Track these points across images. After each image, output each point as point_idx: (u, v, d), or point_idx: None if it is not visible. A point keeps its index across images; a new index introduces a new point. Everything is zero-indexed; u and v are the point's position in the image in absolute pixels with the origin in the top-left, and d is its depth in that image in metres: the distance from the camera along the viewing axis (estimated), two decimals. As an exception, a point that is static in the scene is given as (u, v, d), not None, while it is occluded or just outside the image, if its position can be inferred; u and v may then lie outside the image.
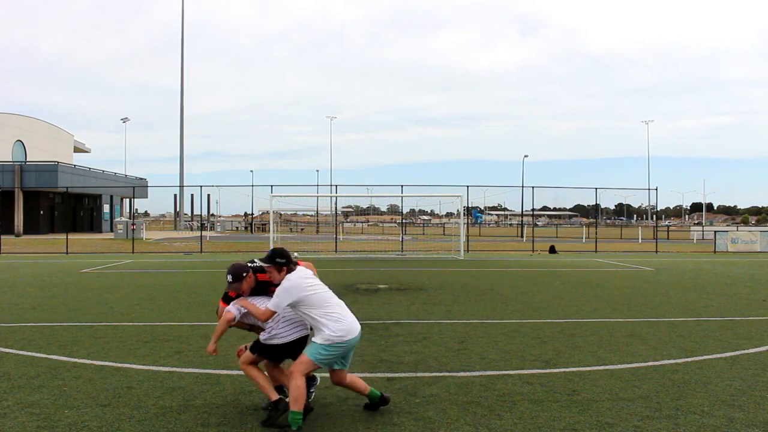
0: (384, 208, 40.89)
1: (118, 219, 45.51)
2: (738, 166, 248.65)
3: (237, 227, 60.99)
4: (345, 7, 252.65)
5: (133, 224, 35.11)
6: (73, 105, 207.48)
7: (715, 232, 30.61)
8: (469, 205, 37.13)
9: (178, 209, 59.57)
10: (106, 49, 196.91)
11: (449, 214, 52.28)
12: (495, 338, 7.46)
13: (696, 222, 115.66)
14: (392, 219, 43.39)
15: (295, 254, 20.17)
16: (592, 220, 53.41)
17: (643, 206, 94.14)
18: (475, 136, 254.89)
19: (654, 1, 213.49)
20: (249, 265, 4.75)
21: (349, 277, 14.96)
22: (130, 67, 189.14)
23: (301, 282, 4.43)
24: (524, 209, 33.84)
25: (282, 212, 33.31)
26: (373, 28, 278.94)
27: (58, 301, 10.65)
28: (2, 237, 26.63)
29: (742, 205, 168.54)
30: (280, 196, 24.95)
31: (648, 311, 9.70)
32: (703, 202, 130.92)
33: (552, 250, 26.73)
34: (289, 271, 4.50)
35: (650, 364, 6.20)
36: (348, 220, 47.14)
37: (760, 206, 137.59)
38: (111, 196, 54.05)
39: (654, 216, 67.71)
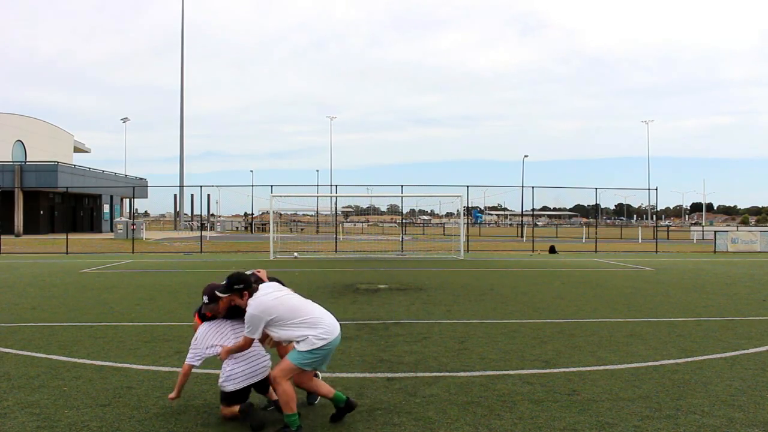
0: (384, 208, 40.89)
1: (118, 219, 45.51)
2: (738, 166, 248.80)
3: (237, 227, 60.98)
4: (345, 8, 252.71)
5: (133, 224, 35.11)
6: (73, 105, 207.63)
7: (715, 232, 30.62)
8: (469, 205, 37.16)
9: (178, 209, 59.59)
10: (106, 49, 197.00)
11: (449, 214, 52.28)
12: (495, 338, 7.46)
13: (693, 222, 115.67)
14: (392, 219, 43.39)
15: (295, 254, 20.01)
16: (592, 220, 53.41)
17: (643, 206, 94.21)
18: (475, 136, 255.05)
19: (654, 1, 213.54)
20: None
21: (349, 277, 14.96)
22: (130, 67, 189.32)
23: (266, 301, 4.32)
24: (524, 209, 33.86)
25: (282, 212, 33.30)
26: (373, 28, 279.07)
27: (58, 301, 10.65)
28: (2, 237, 26.63)
29: (742, 205, 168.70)
30: (280, 196, 24.94)
31: (648, 311, 9.70)
32: (703, 202, 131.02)
33: (552, 250, 26.74)
34: (252, 293, 4.41)
35: (650, 364, 6.20)
36: (348, 220, 47.15)
37: (760, 206, 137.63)
38: (111, 196, 54.05)
39: (654, 216, 67.71)
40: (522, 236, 40.20)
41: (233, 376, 4.44)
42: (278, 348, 4.83)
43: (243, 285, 4.43)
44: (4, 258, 21.73)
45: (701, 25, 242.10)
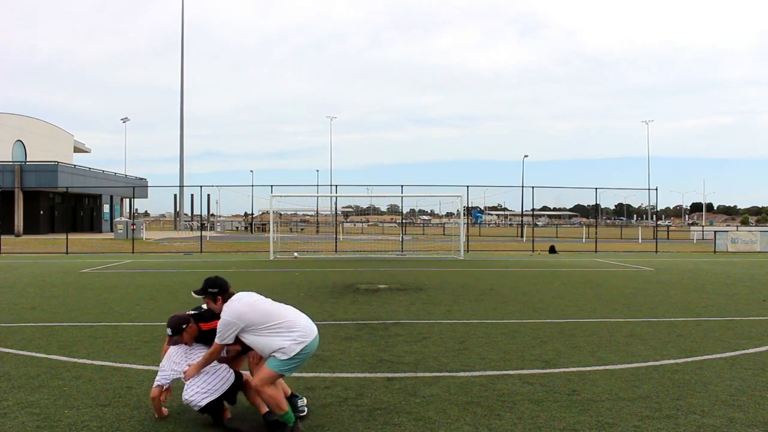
0: (384, 208, 40.88)
1: (118, 219, 45.50)
2: (738, 166, 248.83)
3: (237, 227, 60.96)
4: (345, 8, 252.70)
5: (133, 224, 35.10)
6: (73, 105, 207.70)
7: (715, 232, 30.61)
8: (469, 205, 37.16)
9: (178, 209, 59.58)
10: (106, 49, 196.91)
11: (449, 214, 52.27)
12: (495, 338, 7.45)
13: (690, 222, 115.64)
14: (392, 219, 43.38)
15: (295, 254, 19.99)
16: (592, 220, 53.42)
17: (643, 206, 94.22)
18: (475, 136, 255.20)
19: (653, 1, 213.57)
20: (190, 314, 4.64)
21: (349, 277, 14.96)
22: (130, 67, 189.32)
23: (239, 308, 4.26)
24: (524, 209, 33.85)
25: (282, 212, 33.30)
26: (373, 28, 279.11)
27: (58, 301, 10.64)
28: (2, 237, 26.62)
29: (742, 205, 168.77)
30: (280, 196, 24.94)
31: (648, 311, 9.70)
32: (703, 202, 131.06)
33: (552, 250, 26.73)
34: (226, 299, 4.35)
35: (650, 364, 6.20)
36: (348, 220, 47.15)
37: (760, 206, 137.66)
38: (111, 196, 54.04)
39: (654, 216, 67.71)
40: (522, 236, 40.20)
41: (200, 391, 4.33)
42: (249, 363, 4.67)
43: (218, 289, 4.36)
44: (4, 258, 21.72)
45: (700, 25, 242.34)
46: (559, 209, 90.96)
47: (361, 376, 5.74)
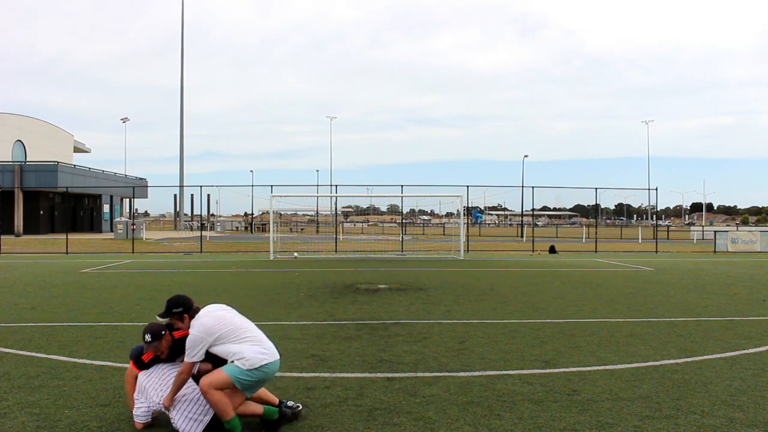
0: (384, 208, 40.90)
1: (118, 219, 45.50)
2: (738, 166, 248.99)
3: (237, 227, 60.97)
4: (345, 8, 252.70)
5: (133, 224, 35.11)
6: (73, 105, 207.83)
7: (715, 232, 30.61)
8: (469, 205, 37.15)
9: (178, 209, 59.58)
10: (105, 49, 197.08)
11: (449, 214, 52.30)
12: (495, 338, 7.45)
13: (687, 222, 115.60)
14: (392, 219, 43.39)
15: (295, 254, 19.94)
16: (592, 220, 53.41)
17: (643, 206, 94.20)
18: (474, 136, 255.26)
19: (653, 1, 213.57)
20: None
21: (349, 277, 14.96)
22: (130, 67, 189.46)
23: (207, 323, 4.20)
24: (524, 209, 33.84)
25: (282, 212, 33.29)
26: (372, 28, 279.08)
27: (58, 301, 10.64)
28: (2, 237, 26.63)
29: (742, 205, 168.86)
30: (280, 196, 24.94)
31: (648, 311, 9.70)
32: (703, 202, 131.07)
33: (552, 250, 26.73)
34: (192, 315, 4.28)
35: (650, 364, 6.20)
36: (348, 220, 47.15)
37: (760, 206, 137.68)
38: (111, 196, 54.04)
39: (654, 216, 67.71)
40: (522, 236, 40.20)
41: (192, 418, 4.19)
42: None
43: (182, 308, 4.31)
44: (4, 258, 21.72)
45: (700, 25, 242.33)
46: (559, 209, 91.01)
47: (361, 376, 5.74)
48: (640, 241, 39.83)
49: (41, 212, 44.64)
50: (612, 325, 8.36)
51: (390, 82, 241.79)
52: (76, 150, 62.26)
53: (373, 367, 6.02)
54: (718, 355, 6.60)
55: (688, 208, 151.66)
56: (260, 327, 8.38)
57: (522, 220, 42.37)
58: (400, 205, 32.78)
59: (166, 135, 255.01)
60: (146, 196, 55.34)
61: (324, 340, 7.33)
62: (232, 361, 4.13)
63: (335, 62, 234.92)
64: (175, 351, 4.49)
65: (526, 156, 77.92)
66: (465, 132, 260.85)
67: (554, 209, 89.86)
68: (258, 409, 4.26)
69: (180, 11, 55.05)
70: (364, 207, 36.07)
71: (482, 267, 18.58)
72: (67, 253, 24.62)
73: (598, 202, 33.95)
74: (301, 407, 4.65)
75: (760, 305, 10.42)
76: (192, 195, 64.39)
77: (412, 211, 63.15)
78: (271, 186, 25.52)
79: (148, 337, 4.39)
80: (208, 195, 53.81)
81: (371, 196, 31.89)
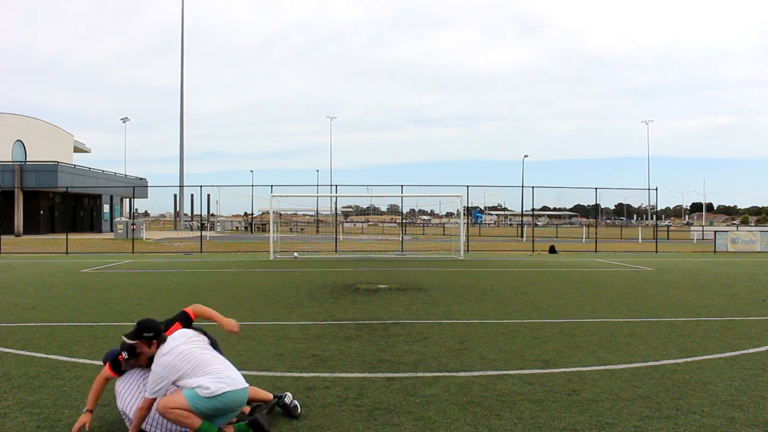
0: (384, 208, 40.93)
1: (118, 219, 45.50)
2: (738, 166, 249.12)
3: (237, 227, 60.98)
4: (345, 7, 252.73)
5: (133, 224, 35.11)
6: (73, 105, 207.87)
7: (715, 232, 30.62)
8: (469, 205, 37.15)
9: (178, 209, 59.60)
10: (105, 49, 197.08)
11: (449, 214, 52.31)
12: (495, 338, 7.45)
13: (685, 222, 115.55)
14: (392, 219, 43.39)
15: (295, 254, 19.93)
16: (592, 220, 53.41)
17: (643, 206, 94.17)
18: (475, 136, 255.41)
19: (653, 1, 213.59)
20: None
21: (349, 277, 14.96)
22: (130, 67, 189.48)
23: (170, 361, 4.07)
24: (524, 209, 33.84)
25: (282, 212, 33.29)
26: (372, 27, 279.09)
27: (58, 301, 10.64)
28: (2, 237, 26.62)
29: (742, 205, 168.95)
30: (280, 196, 24.94)
31: (648, 311, 9.70)
32: (703, 202, 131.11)
33: (552, 250, 26.73)
34: (161, 342, 4.20)
35: (650, 364, 6.20)
36: (348, 220, 47.16)
37: (760, 206, 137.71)
38: (111, 196, 54.05)
39: (654, 216, 67.71)
40: (522, 236, 40.20)
41: (167, 428, 4.12)
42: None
43: (153, 333, 4.20)
44: (4, 258, 21.72)
45: (700, 25, 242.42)
46: (559, 209, 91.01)
47: (361, 376, 5.74)
48: (640, 241, 39.83)
49: (41, 212, 44.65)
50: (612, 325, 8.36)
51: (390, 82, 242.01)
52: (76, 150, 62.27)
53: (373, 367, 6.02)
54: (718, 355, 6.60)
55: (688, 208, 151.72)
56: (260, 327, 8.41)
57: (522, 220, 42.37)
58: (400, 205, 32.80)
59: (166, 135, 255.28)
60: (146, 196, 55.37)
61: (324, 340, 7.33)
62: (192, 387, 4.06)
63: (335, 62, 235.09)
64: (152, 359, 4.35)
65: (526, 156, 77.99)
66: (465, 132, 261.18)
67: (554, 209, 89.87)
68: (196, 421, 4.07)
69: (180, 11, 55.09)
70: (364, 207, 36.10)
71: (482, 267, 18.58)
72: (67, 253, 24.62)
73: (598, 202, 33.98)
74: (298, 407, 4.64)
75: (760, 305, 10.42)
76: (192, 195, 64.47)
77: (412, 211, 63.14)
78: (271, 186, 25.55)
79: (125, 355, 4.27)
80: (208, 195, 53.86)
81: (371, 196, 31.92)
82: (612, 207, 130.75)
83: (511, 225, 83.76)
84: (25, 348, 6.85)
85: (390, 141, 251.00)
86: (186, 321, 4.60)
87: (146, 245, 30.70)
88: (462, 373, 5.80)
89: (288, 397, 4.67)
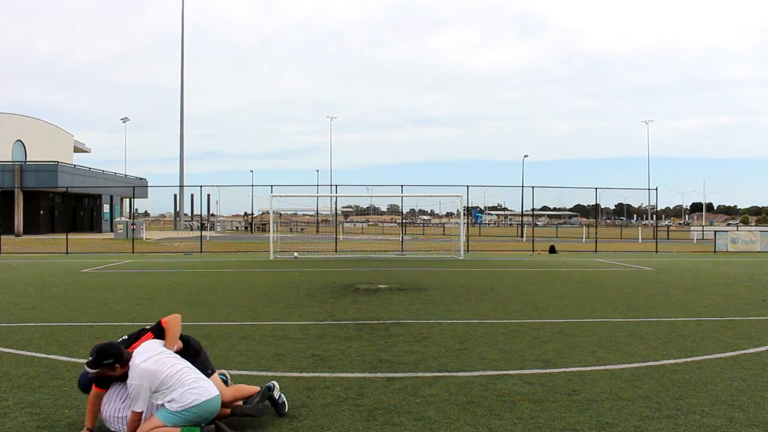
0: (384, 208, 40.98)
1: (118, 219, 45.52)
2: (738, 166, 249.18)
3: (237, 227, 60.99)
4: (344, 7, 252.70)
5: (133, 224, 35.12)
6: (73, 105, 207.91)
7: (715, 232, 30.62)
8: (469, 205, 37.15)
9: (178, 209, 59.59)
10: (105, 49, 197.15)
11: (449, 214, 52.28)
12: (495, 338, 7.45)
13: (681, 222, 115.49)
14: (392, 219, 43.42)
15: (295, 254, 19.93)
16: (592, 220, 53.42)
17: (643, 206, 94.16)
18: (475, 136, 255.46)
19: (653, 1, 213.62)
20: (120, 340, 4.44)
21: (349, 277, 14.96)
22: (130, 67, 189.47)
23: (147, 367, 4.05)
24: (524, 209, 33.84)
25: (282, 212, 33.29)
26: (372, 27, 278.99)
27: (58, 301, 10.64)
28: (2, 237, 26.62)
29: (742, 205, 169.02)
30: (280, 196, 24.95)
31: (648, 311, 9.70)
32: (703, 202, 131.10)
33: (552, 250, 26.73)
34: (125, 362, 4.11)
35: (650, 364, 6.20)
36: (348, 220, 47.17)
37: (760, 206, 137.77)
38: (111, 196, 54.06)
39: (654, 216, 67.71)
40: (522, 236, 40.20)
41: None
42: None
43: (112, 359, 4.10)
44: (4, 258, 21.72)
45: (700, 25, 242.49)
46: (559, 209, 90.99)
47: (361, 376, 5.74)
48: (640, 241, 39.84)
49: (41, 212, 44.65)
50: (612, 325, 8.36)
51: (390, 82, 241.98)
52: (76, 150, 62.28)
53: (373, 367, 6.02)
54: (718, 355, 6.60)
55: (688, 208, 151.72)
56: (260, 327, 8.40)
57: (522, 220, 42.37)
58: (400, 205, 32.81)
59: (166, 135, 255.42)
60: (146, 196, 55.37)
61: (324, 340, 7.33)
62: (162, 405, 4.04)
63: (335, 62, 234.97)
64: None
65: (526, 156, 77.98)
66: (465, 132, 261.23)
67: (554, 209, 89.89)
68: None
69: (180, 11, 55.09)
70: (364, 207, 36.16)
71: (482, 267, 18.58)
72: (67, 253, 24.62)
73: (598, 202, 34.01)
74: (285, 404, 4.64)
75: (760, 305, 10.42)
76: (192, 195, 64.45)
77: (412, 211, 63.17)
78: (271, 186, 25.56)
79: (92, 372, 4.21)
80: (208, 195, 53.83)
81: (371, 196, 31.97)
82: (612, 207, 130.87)
83: (511, 225, 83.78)
84: (25, 348, 6.85)
85: (390, 141, 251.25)
86: (159, 332, 4.50)
87: (146, 245, 30.70)
88: (462, 373, 5.80)
89: (276, 391, 4.67)
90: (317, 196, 34.39)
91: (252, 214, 55.04)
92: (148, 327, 4.64)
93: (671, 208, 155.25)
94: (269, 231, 23.85)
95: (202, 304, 10.23)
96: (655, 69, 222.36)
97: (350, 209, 41.53)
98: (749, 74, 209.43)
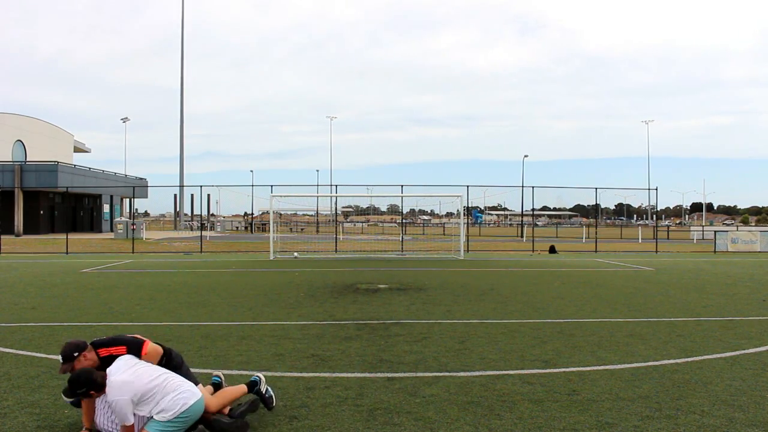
0: (384, 208, 40.97)
1: (118, 219, 45.51)
2: (738, 166, 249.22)
3: (237, 227, 61.00)
4: (344, 7, 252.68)
5: (133, 224, 35.12)
6: (72, 105, 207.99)
7: (715, 232, 30.61)
8: (469, 205, 37.15)
9: (178, 209, 59.60)
10: (105, 49, 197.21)
11: (449, 214, 52.28)
12: (495, 338, 7.45)
13: (677, 222, 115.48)
14: (392, 219, 43.42)
15: (295, 254, 19.91)
16: (592, 220, 53.41)
17: (643, 206, 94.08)
18: (474, 136, 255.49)
19: (653, 1, 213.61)
20: (92, 341, 4.35)
21: (349, 277, 14.96)
22: (130, 67, 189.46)
23: (125, 380, 3.98)
24: (524, 209, 33.83)
25: (282, 212, 33.29)
26: (372, 27, 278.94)
27: (58, 301, 10.64)
28: (2, 237, 26.62)
29: (742, 205, 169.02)
30: (280, 196, 24.95)
31: (648, 311, 9.70)
32: (703, 202, 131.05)
33: (552, 250, 26.73)
34: (100, 387, 4.01)
35: (650, 364, 6.20)
36: (348, 220, 47.18)
37: (760, 206, 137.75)
38: (111, 196, 54.06)
39: (654, 216, 67.71)
40: (522, 236, 40.20)
41: None
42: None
43: (85, 387, 4.00)
44: (4, 258, 21.72)
45: (700, 25, 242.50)
46: (559, 209, 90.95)
47: (361, 376, 5.73)
48: (640, 241, 39.84)
49: (41, 212, 44.64)
50: (612, 325, 8.36)
51: (390, 82, 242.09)
52: (76, 150, 62.27)
53: (373, 367, 6.02)
54: (718, 355, 6.60)
55: (688, 208, 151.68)
56: (260, 327, 8.40)
57: (522, 220, 42.36)
58: (400, 205, 32.81)
59: (166, 135, 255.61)
60: (146, 196, 55.38)
61: (324, 340, 7.33)
62: (151, 417, 4.02)
63: (335, 62, 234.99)
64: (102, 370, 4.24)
65: (526, 156, 77.97)
66: (465, 132, 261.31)
67: (554, 209, 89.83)
68: None
69: (179, 11, 55.11)
70: (364, 207, 36.16)
71: (482, 267, 18.58)
72: (67, 253, 24.62)
73: (598, 202, 33.97)
74: (273, 397, 4.68)
75: (760, 305, 10.42)
76: (192, 195, 64.54)
77: (412, 211, 63.21)
78: (271, 186, 25.58)
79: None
80: (208, 195, 53.94)
81: (371, 196, 31.97)
82: (612, 207, 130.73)
83: (511, 225, 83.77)
84: (25, 348, 6.85)
85: (390, 141, 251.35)
86: (135, 351, 4.34)
87: (146, 245, 30.70)
88: (462, 373, 5.80)
89: (262, 385, 4.67)
90: (317, 196, 34.41)
91: (252, 214, 55.05)
92: (126, 337, 4.46)
93: (671, 208, 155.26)
94: (269, 231, 23.85)
95: (202, 304, 10.23)
96: (656, 69, 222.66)
97: (350, 209, 41.55)
98: (749, 74, 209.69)
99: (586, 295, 11.68)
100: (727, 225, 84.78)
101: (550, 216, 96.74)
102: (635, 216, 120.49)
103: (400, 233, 31.06)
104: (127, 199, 57.51)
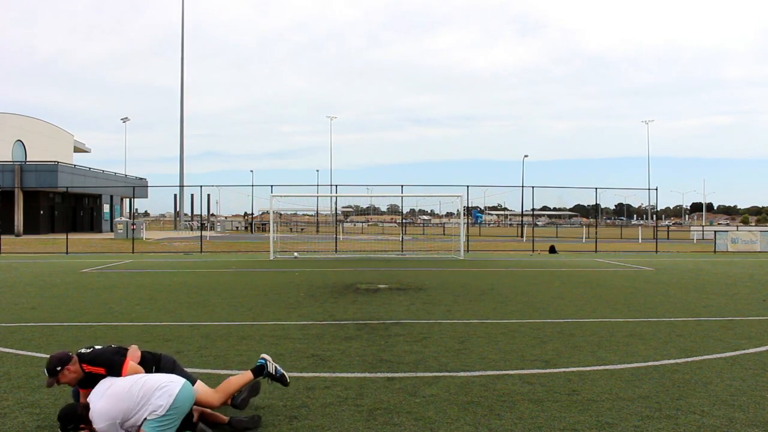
0: (384, 208, 41.00)
1: (118, 219, 45.52)
2: (738, 166, 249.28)
3: (237, 227, 61.00)
4: (344, 7, 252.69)
5: (133, 224, 35.12)
6: (72, 105, 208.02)
7: (715, 232, 30.61)
8: (469, 205, 37.14)
9: (178, 209, 59.62)
10: (105, 49, 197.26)
11: (449, 214, 52.30)
12: (495, 338, 7.45)
13: (673, 222, 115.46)
14: (392, 219, 43.45)
15: (295, 254, 19.91)
16: (592, 220, 53.42)
17: (643, 206, 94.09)
18: (475, 136, 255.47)
19: (653, 1, 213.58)
20: (80, 352, 4.28)
21: (349, 277, 14.96)
22: (130, 67, 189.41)
23: (104, 408, 3.97)
24: (524, 209, 33.84)
25: (282, 212, 33.29)
26: (372, 27, 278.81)
27: (58, 301, 10.64)
28: (2, 237, 26.62)
29: (742, 205, 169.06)
30: (280, 196, 24.96)
31: (648, 311, 9.70)
32: (703, 202, 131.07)
33: (552, 250, 26.73)
34: (86, 419, 4.01)
35: (650, 364, 6.20)
36: (348, 220, 47.18)
37: (760, 206, 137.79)
38: (111, 196, 54.07)
39: (654, 216, 67.71)
40: (522, 236, 40.20)
41: None
42: None
43: (73, 424, 4.04)
44: (4, 258, 21.72)
45: (700, 25, 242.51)
46: (559, 209, 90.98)
47: (361, 376, 5.74)
48: (640, 241, 39.84)
49: (41, 212, 44.65)
50: (612, 325, 8.36)
51: (389, 82, 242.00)
52: (76, 150, 62.28)
53: (373, 367, 6.02)
54: (718, 355, 6.60)
55: (688, 208, 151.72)
56: (260, 327, 8.39)
57: (522, 220, 42.37)
58: (400, 205, 32.82)
59: (166, 135, 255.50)
60: (146, 196, 55.40)
61: (324, 340, 7.33)
62: (146, 419, 4.01)
63: (335, 62, 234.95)
64: (86, 384, 4.25)
65: (526, 156, 77.92)
66: (465, 132, 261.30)
67: (554, 209, 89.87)
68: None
69: (179, 11, 55.12)
70: (364, 207, 36.16)
71: (482, 267, 18.58)
72: (67, 253, 24.62)
73: (598, 202, 33.99)
74: (285, 375, 4.74)
75: (760, 305, 10.42)
76: (192, 195, 64.57)
77: (412, 211, 63.17)
78: (271, 186, 25.60)
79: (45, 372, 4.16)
80: (208, 195, 54.00)
81: (371, 196, 31.96)
82: (612, 207, 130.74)
83: (511, 225, 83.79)
84: (25, 348, 6.85)
85: (390, 141, 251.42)
86: (117, 373, 4.21)
87: (146, 245, 30.70)
88: (462, 373, 5.80)
89: (270, 365, 4.68)
90: (317, 196, 34.42)
91: (252, 214, 55.04)
92: (108, 354, 4.31)
93: (671, 208, 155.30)
94: (269, 231, 23.86)
95: (202, 304, 10.23)
96: (656, 69, 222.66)
97: (350, 209, 41.55)
98: (749, 74, 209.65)
99: (586, 295, 11.68)
100: (720, 225, 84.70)
101: (550, 216, 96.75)
102: (635, 216, 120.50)
103: (400, 233, 31.06)
104: (127, 199, 57.53)
